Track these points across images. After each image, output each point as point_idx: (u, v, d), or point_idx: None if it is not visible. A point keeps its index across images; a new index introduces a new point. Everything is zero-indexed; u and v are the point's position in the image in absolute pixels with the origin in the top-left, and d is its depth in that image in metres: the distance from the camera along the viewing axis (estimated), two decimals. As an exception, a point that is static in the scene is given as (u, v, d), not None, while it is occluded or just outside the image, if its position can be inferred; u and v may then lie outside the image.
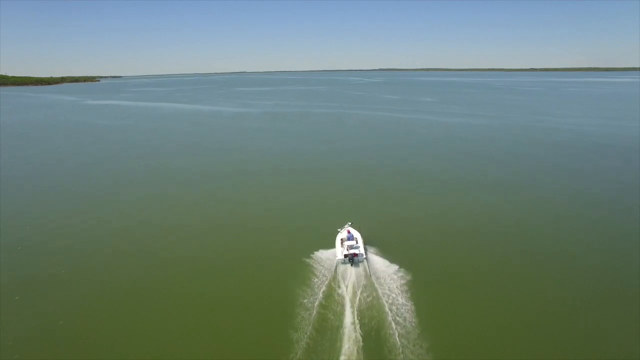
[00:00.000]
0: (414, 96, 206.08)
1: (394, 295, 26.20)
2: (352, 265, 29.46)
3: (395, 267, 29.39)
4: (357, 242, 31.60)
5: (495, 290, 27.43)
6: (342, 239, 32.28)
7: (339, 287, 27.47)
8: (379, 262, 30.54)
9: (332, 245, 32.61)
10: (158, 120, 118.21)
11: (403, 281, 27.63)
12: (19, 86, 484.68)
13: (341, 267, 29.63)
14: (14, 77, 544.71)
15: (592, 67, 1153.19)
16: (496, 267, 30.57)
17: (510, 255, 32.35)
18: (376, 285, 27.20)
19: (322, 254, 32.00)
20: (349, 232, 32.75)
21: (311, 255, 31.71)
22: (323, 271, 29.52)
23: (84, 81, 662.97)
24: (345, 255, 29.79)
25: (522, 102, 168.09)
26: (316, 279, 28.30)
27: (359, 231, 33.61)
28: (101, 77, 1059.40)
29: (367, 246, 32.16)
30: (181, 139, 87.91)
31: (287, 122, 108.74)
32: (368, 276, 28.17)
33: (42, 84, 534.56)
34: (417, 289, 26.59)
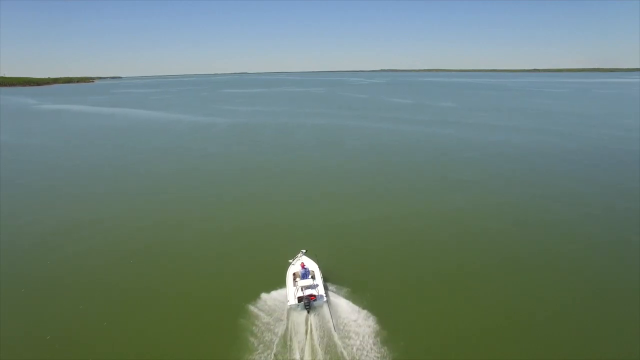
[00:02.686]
0: (428, 100, 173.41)
1: (367, 354, 18.84)
2: (309, 311, 21.20)
3: (365, 311, 21.56)
4: (314, 279, 23.08)
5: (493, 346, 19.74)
6: (294, 275, 24.01)
7: (291, 346, 19.60)
8: (344, 306, 22.24)
9: (283, 282, 24.11)
10: (88, 134, 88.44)
11: (379, 331, 20.21)
12: (6, 87, 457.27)
13: (294, 316, 21.30)
14: (3, 77, 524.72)
15: (594, 67, 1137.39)
16: (497, 323, 21.46)
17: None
18: (340, 341, 19.50)
19: (270, 298, 23.11)
20: (303, 265, 24.03)
21: (256, 300, 22.85)
22: (271, 323, 21.08)
23: (78, 82, 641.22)
24: (300, 299, 21.52)
25: (559, 107, 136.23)
26: (261, 337, 20.15)
27: (316, 262, 25.23)
28: (100, 77, 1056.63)
29: (327, 283, 24.11)
30: (92, 161, 60.87)
31: (256, 143, 75.36)
32: (330, 327, 20.39)
33: (30, 85, 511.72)
34: (398, 343, 19.58)
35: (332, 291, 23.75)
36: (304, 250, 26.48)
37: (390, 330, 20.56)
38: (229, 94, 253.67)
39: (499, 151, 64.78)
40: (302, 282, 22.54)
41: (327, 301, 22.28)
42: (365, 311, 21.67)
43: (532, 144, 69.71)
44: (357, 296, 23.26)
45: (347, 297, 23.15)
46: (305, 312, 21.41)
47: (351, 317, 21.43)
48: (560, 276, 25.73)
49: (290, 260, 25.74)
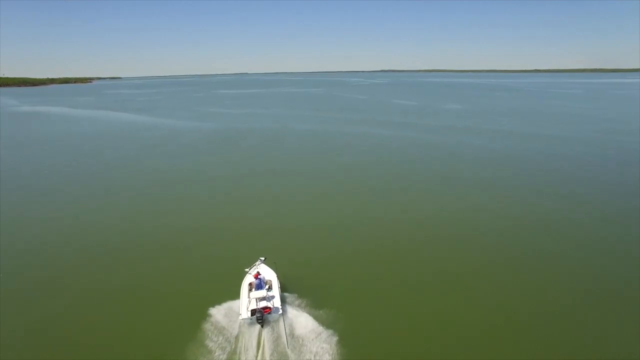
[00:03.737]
0: (433, 101, 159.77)
1: None
2: (262, 326, 19.35)
3: (324, 325, 19.51)
4: (270, 290, 21.26)
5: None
6: (250, 285, 21.73)
7: None
8: (301, 319, 20.06)
9: (237, 293, 21.85)
10: (46, 140, 75.61)
11: (338, 348, 18.15)
12: (0, 87, 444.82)
13: (246, 331, 19.34)
14: None
15: (595, 68, 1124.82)
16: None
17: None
18: (294, 358, 17.77)
19: (221, 311, 20.92)
20: (257, 275, 21.37)
21: (205, 314, 20.57)
22: (220, 339, 19.03)
23: (75, 82, 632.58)
24: (253, 312, 19.59)
25: (580, 109, 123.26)
26: (208, 355, 18.19)
27: (275, 270, 23.23)
28: (100, 78, 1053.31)
29: (285, 294, 22.12)
30: (27, 172, 51.53)
31: (238, 154, 64.15)
32: (285, 344, 18.54)
33: (26, 85, 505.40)
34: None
35: (291, 303, 21.73)
36: (263, 258, 24.43)
37: (350, 346, 18.53)
38: (223, 94, 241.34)
39: (531, 167, 51.73)
40: (255, 294, 20.53)
41: (283, 314, 20.25)
42: (324, 325, 19.72)
43: (570, 154, 56.65)
44: (318, 309, 21.24)
45: (306, 310, 21.14)
46: (258, 326, 19.53)
47: (308, 332, 19.43)
48: (558, 276, 24.57)
49: (246, 269, 23.46)
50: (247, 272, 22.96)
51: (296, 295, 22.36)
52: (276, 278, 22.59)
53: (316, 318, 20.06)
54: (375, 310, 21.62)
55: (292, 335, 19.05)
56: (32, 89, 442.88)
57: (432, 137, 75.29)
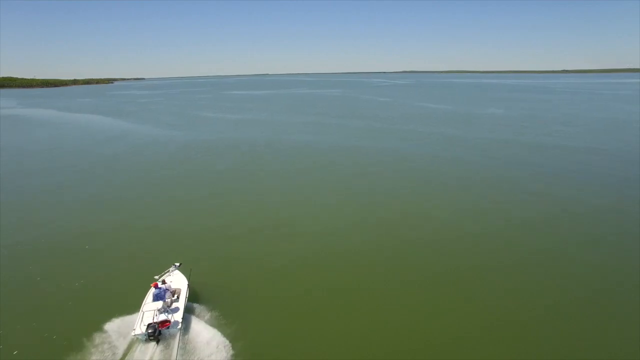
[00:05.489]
0: (469, 105, 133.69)
1: None
2: (157, 342, 16.77)
3: (231, 342, 17.03)
4: (171, 302, 18.72)
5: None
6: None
7: None
8: (205, 334, 17.57)
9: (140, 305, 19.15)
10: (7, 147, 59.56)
11: None
12: (24, 88, 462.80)
13: (138, 349, 16.79)
14: (21, 78, 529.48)
15: (626, 68, 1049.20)
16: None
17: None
18: None
19: (118, 325, 18.31)
20: (156, 284, 19.16)
21: (102, 327, 18.14)
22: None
23: (97, 83, 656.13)
24: (148, 327, 16.85)
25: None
26: None
27: (188, 277, 20.94)
28: (123, 79, 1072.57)
29: (197, 304, 19.79)
30: None
31: (198, 175, 45.86)
32: None
33: (48, 86, 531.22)
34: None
35: (200, 315, 19.12)
36: (177, 264, 22.11)
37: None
38: (232, 95, 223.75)
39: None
40: (150, 306, 18.40)
41: (186, 328, 17.89)
42: (230, 340, 17.31)
43: None
44: (231, 321, 18.75)
45: (214, 323, 18.58)
46: (153, 343, 16.85)
47: (206, 347, 16.90)
48: (558, 276, 22.99)
49: (156, 277, 20.53)
50: (156, 280, 20.09)
51: (209, 306, 19.99)
52: (187, 287, 20.25)
53: (223, 332, 17.83)
54: (296, 323, 19.04)
55: (186, 352, 16.66)
56: (45, 90, 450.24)
57: (488, 159, 51.67)
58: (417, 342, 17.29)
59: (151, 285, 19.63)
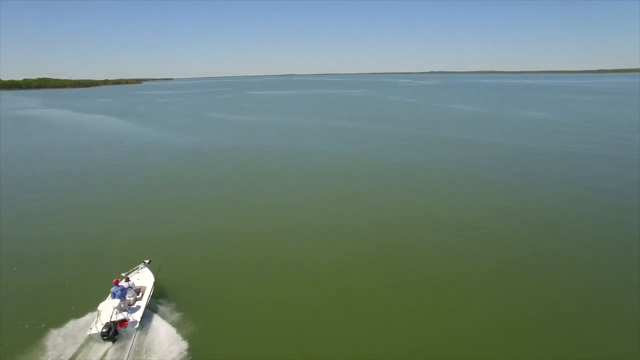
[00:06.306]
0: (507, 108, 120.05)
1: None
2: (113, 342, 16.21)
3: (186, 341, 16.40)
4: (134, 300, 18.29)
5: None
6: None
7: None
8: (163, 333, 16.87)
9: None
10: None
11: None
12: (57, 89, 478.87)
13: (91, 349, 16.24)
14: (55, 79, 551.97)
15: None
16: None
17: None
18: None
19: (77, 325, 17.63)
20: (117, 282, 18.46)
21: (55, 328, 17.33)
22: None
23: (126, 83, 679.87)
24: (104, 326, 16.16)
25: None
26: None
27: (155, 275, 20.39)
28: (153, 79, 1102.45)
29: (163, 304, 19.07)
30: None
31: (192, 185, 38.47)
32: None
33: (79, 87, 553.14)
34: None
35: (164, 315, 18.39)
36: (147, 261, 21.73)
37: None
38: (254, 95, 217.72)
39: None
40: (105, 304, 17.59)
41: (144, 327, 17.25)
42: (188, 340, 16.68)
43: None
44: (194, 320, 18.19)
45: (174, 321, 17.87)
46: (109, 343, 16.38)
47: (160, 347, 16.26)
48: (558, 276, 22.39)
49: (123, 274, 20.45)
50: (122, 277, 19.98)
51: (175, 305, 19.40)
52: (152, 284, 19.91)
53: (183, 332, 17.23)
54: (257, 323, 18.51)
55: (140, 352, 16.16)
56: (76, 90, 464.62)
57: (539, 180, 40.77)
58: (417, 342, 16.96)
59: (122, 277, 19.30)
